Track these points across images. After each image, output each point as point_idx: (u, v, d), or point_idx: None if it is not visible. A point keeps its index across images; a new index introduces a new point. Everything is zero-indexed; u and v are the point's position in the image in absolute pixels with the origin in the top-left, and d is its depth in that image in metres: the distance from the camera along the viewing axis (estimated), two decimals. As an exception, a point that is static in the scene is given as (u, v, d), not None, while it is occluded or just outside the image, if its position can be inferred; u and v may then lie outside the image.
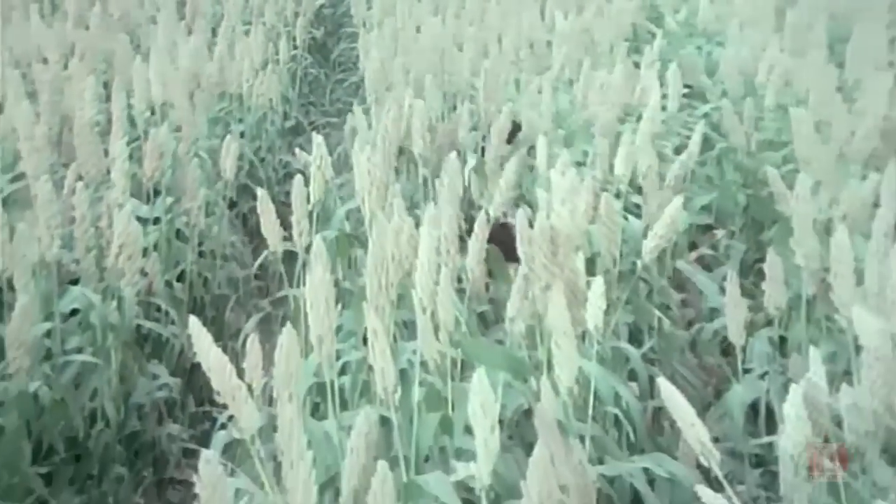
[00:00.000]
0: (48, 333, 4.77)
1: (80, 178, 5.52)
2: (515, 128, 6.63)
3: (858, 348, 3.26)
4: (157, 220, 6.08)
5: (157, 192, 6.15)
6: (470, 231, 4.29)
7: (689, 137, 7.40)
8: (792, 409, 3.11)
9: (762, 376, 4.89)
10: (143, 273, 5.44)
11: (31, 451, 4.41)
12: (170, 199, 6.23)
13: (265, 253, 5.79)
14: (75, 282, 5.17)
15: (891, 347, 3.10)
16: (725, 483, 3.14)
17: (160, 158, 6.08)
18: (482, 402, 2.84)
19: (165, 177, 6.22)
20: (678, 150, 6.61)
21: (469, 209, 5.94)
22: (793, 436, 3.10)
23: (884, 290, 3.75)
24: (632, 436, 4.18)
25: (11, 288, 4.55)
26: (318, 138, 5.28)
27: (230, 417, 3.23)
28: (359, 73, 9.59)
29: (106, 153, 5.82)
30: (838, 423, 3.34)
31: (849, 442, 3.29)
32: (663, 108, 7.02)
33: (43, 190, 4.83)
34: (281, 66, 9.89)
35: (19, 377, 4.34)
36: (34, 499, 4.31)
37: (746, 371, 4.78)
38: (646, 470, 3.92)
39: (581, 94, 7.33)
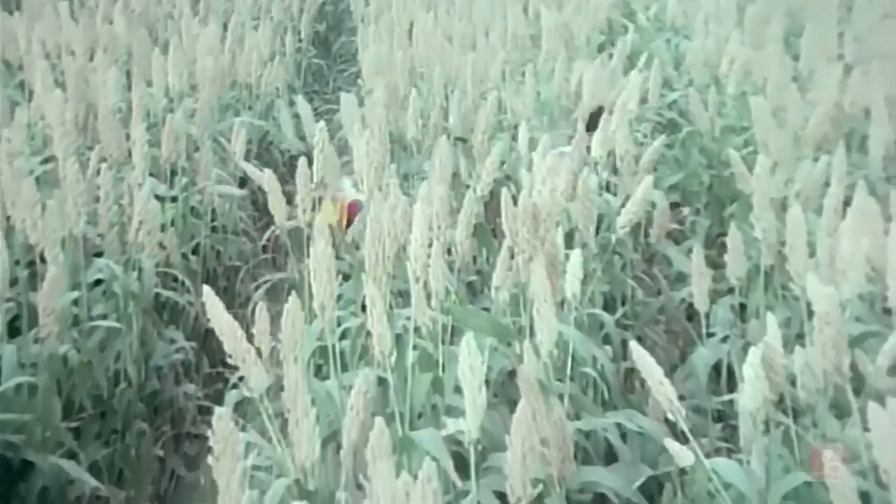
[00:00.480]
0: (76, 301, 4.76)
1: (103, 159, 5.49)
2: (598, 111, 6.38)
3: (811, 314, 3.26)
4: (174, 199, 6.06)
5: (174, 173, 6.13)
6: (459, 208, 4.28)
7: (659, 123, 7.41)
8: (751, 370, 3.12)
9: (724, 340, 4.90)
10: (162, 246, 5.43)
11: (62, 408, 4.41)
12: (185, 179, 6.22)
13: (272, 228, 5.79)
14: (100, 254, 5.16)
15: (840, 313, 3.11)
16: (690, 436, 3.16)
17: (176, 142, 6.06)
18: (470, 364, 2.84)
19: (181, 159, 6.20)
20: (647, 135, 6.61)
21: (459, 188, 5.94)
22: (751, 393, 3.11)
23: (834, 261, 3.76)
24: (606, 394, 4.19)
25: (42, 260, 4.55)
26: (320, 124, 5.28)
27: (241, 378, 3.23)
28: (357, 64, 9.55)
29: (127, 137, 5.81)
30: (792, 382, 3.36)
31: (801, 399, 3.30)
32: (643, 101, 7.02)
33: (70, 171, 4.81)
34: (287, 58, 9.86)
35: (50, 341, 4.33)
36: (65, 450, 4.31)
37: (710, 335, 4.79)
38: (619, 425, 3.93)
39: (560, 84, 7.32)
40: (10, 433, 4.04)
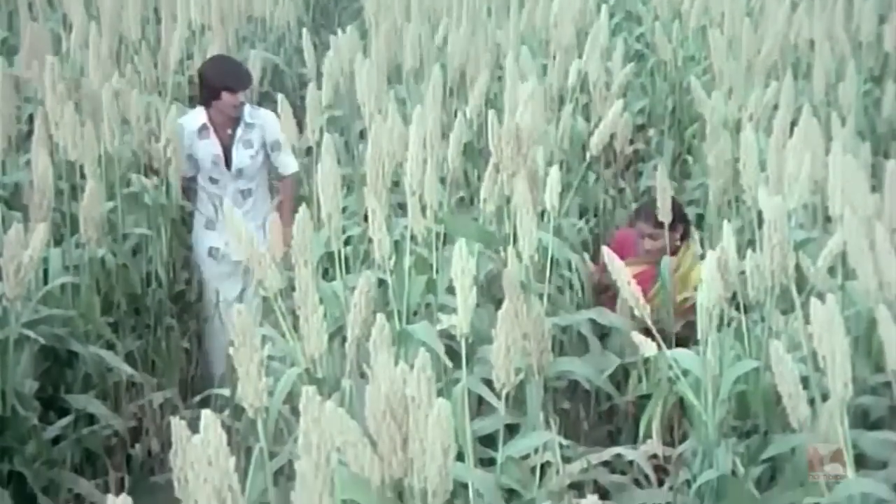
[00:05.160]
0: (112, 211, 4.76)
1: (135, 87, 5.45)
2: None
3: (761, 222, 3.25)
4: (197, 120, 6.01)
5: (192, 98, 6.06)
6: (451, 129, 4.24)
7: (626, 53, 7.34)
8: (708, 272, 3.12)
9: (686, 246, 4.90)
10: (187, 163, 5.40)
11: (101, 305, 4.42)
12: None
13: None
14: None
15: (786, 221, 3.10)
16: (654, 330, 3.16)
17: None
18: (461, 267, 2.83)
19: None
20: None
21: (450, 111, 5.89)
22: (708, 292, 3.10)
23: (782, 176, 3.75)
24: (580, 294, 4.19)
25: (82, 175, 4.53)
26: (329, 54, 5.23)
27: (258, 280, 3.22)
28: (360, 1, 9.44)
29: (155, 66, 5.75)
30: (744, 282, 3.35)
31: (751, 297, 3.30)
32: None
33: (106, 96, 4.78)
34: (297, -5, 9.73)
35: (90, 246, 4.35)
36: (104, 341, 4.33)
37: (674, 242, 4.78)
38: (591, 320, 3.94)
39: (540, 18, 7.24)
40: (57, 327, 4.06)
